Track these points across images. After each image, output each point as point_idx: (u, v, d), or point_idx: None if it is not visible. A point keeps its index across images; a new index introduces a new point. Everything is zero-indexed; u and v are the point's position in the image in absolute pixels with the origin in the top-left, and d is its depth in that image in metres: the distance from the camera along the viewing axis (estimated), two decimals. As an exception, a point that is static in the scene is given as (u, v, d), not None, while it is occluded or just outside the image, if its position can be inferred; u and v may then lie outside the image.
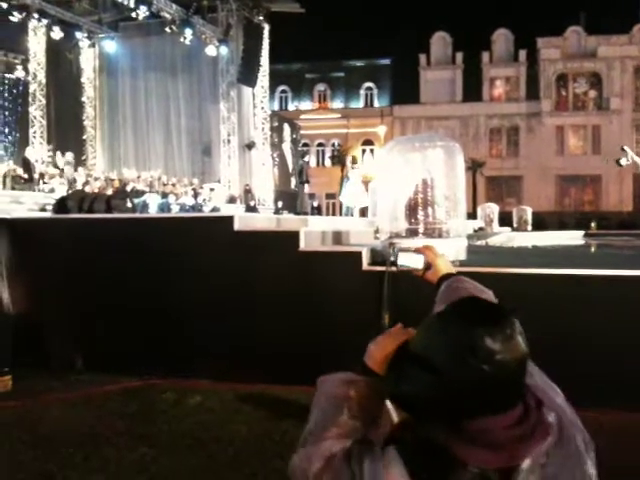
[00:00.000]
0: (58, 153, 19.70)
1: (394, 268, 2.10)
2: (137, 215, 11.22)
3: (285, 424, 4.54)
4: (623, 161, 15.60)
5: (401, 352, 1.24)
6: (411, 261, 1.98)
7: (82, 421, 4.98)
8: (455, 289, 1.72)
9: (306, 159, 20.49)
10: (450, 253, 5.66)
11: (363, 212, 17.45)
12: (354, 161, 41.32)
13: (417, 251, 1.96)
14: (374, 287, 5.42)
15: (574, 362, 4.67)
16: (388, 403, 1.24)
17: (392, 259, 2.08)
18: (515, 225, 23.07)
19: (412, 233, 5.76)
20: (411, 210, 5.79)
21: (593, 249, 14.58)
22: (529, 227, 23.30)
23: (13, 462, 4.23)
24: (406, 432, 1.16)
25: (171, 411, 5.18)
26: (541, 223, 25.70)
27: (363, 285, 5.67)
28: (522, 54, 43.29)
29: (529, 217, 23.93)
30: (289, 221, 9.59)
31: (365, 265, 5.83)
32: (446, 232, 5.82)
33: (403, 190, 5.94)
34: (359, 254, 5.83)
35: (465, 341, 1.09)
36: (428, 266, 1.91)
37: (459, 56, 43.92)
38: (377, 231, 6.89)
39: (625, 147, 16.33)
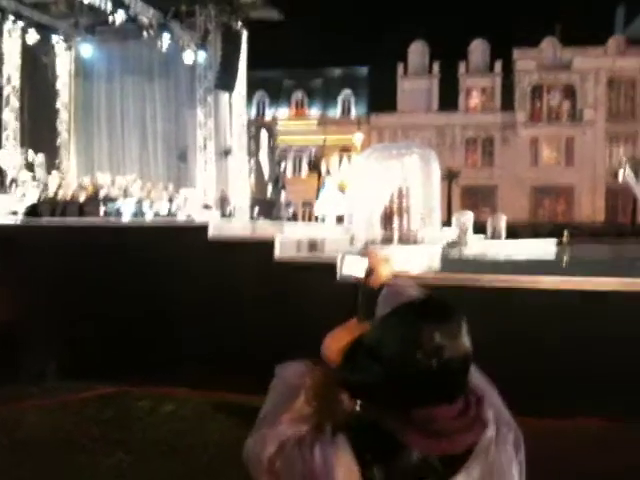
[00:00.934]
0: (30, 153, 19.41)
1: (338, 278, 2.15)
2: (112, 222, 11.11)
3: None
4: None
5: (356, 345, 1.31)
6: (354, 269, 2.01)
7: (58, 427, 4.93)
8: (396, 293, 1.76)
9: (283, 166, 20.47)
10: (424, 260, 5.70)
11: (340, 219, 17.47)
12: (329, 169, 41.53)
13: (363, 256, 1.98)
14: (349, 295, 5.42)
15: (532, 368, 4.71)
16: (343, 398, 1.30)
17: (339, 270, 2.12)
18: (489, 234, 23.26)
19: (387, 241, 5.79)
20: (386, 218, 5.83)
21: (565, 258, 14.77)
22: (502, 236, 23.50)
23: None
24: (357, 420, 1.25)
25: (146, 418, 5.15)
26: (515, 233, 25.93)
27: (338, 293, 5.66)
28: (498, 65, 43.81)
29: (503, 226, 24.14)
30: (264, 228, 9.57)
31: (339, 274, 5.82)
32: (421, 240, 5.86)
33: (379, 198, 5.98)
34: (334, 263, 5.82)
35: (414, 336, 1.18)
36: (370, 272, 1.92)
37: (436, 65, 44.30)
38: (352, 239, 6.91)
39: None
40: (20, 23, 20.49)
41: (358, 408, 1.28)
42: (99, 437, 4.67)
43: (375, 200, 5.96)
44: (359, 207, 6.28)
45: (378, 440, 1.18)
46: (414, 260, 5.40)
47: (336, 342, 1.39)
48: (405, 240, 5.77)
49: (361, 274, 1.98)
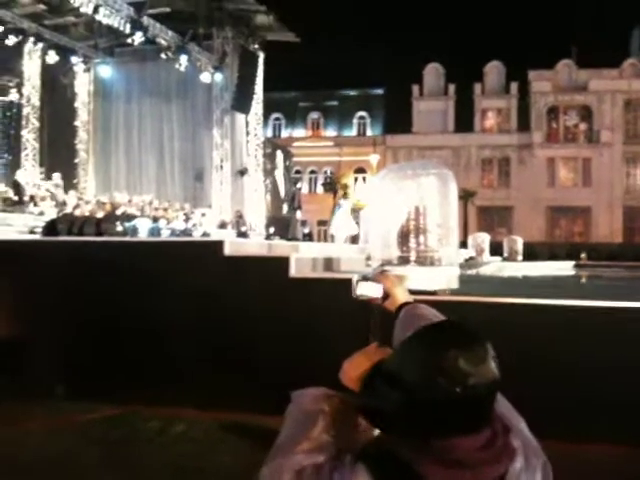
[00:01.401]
0: (49, 171, 19.62)
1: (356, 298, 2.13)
2: (127, 239, 11.13)
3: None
4: None
5: (375, 370, 1.26)
6: (370, 290, 1.98)
7: (63, 449, 4.84)
8: (414, 316, 1.76)
9: (298, 186, 20.53)
10: (442, 281, 5.61)
11: (354, 239, 17.42)
12: (345, 189, 41.59)
13: (375, 280, 1.99)
14: (364, 314, 5.34)
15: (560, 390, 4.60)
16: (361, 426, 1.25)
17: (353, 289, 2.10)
18: (506, 255, 23.12)
19: (404, 261, 5.71)
20: (403, 237, 5.75)
21: (583, 280, 14.61)
22: (520, 257, 23.37)
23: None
24: (376, 448, 1.17)
25: (155, 440, 5.05)
26: (532, 253, 25.76)
27: (353, 312, 5.58)
28: (514, 86, 43.82)
29: (520, 247, 24.00)
30: (280, 247, 9.53)
31: (354, 295, 5.75)
32: (438, 260, 5.77)
33: (395, 217, 5.91)
34: (349, 281, 5.76)
35: (437, 362, 1.11)
36: (387, 295, 1.93)
37: (451, 87, 44.40)
38: (368, 258, 6.84)
39: None
40: (40, 44, 20.84)
41: (377, 435, 1.22)
42: (106, 459, 4.58)
43: (391, 220, 5.88)
44: (375, 226, 6.20)
45: (398, 470, 1.12)
46: (432, 281, 5.31)
47: (355, 367, 1.33)
48: (422, 260, 5.68)
49: (377, 296, 1.96)
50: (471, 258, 18.16)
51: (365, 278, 2.05)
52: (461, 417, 1.12)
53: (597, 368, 4.97)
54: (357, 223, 17.65)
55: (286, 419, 1.32)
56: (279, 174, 30.01)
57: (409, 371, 1.13)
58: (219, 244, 6.37)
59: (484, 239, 20.99)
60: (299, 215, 18.28)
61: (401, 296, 1.93)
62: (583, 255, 28.76)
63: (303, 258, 6.64)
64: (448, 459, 1.11)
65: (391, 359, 1.21)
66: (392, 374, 1.17)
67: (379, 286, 1.96)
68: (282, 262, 6.01)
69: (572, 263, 22.12)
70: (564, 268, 19.17)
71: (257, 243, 11.19)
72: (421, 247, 5.80)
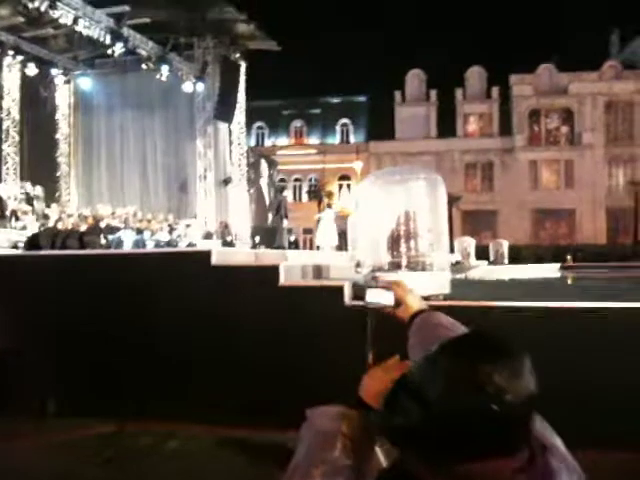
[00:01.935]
0: (29, 186, 19.38)
1: (363, 306, 2.05)
2: (113, 251, 10.99)
3: (269, 469, 4.31)
4: None
5: (398, 386, 1.14)
6: (381, 298, 1.91)
7: (54, 468, 4.71)
8: (432, 325, 1.68)
9: (284, 194, 20.45)
10: (434, 286, 5.54)
11: (340, 248, 17.35)
12: (330, 197, 41.56)
13: (386, 288, 1.91)
14: (357, 322, 5.25)
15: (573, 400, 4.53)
16: (378, 450, 1.15)
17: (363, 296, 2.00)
18: (492, 259, 23.18)
19: (395, 266, 5.64)
20: (394, 243, 5.67)
21: (570, 281, 14.64)
22: (506, 260, 23.43)
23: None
24: (399, 472, 1.07)
25: (149, 457, 4.92)
26: (517, 256, 25.85)
27: (346, 320, 5.50)
28: (495, 91, 44.07)
29: (505, 250, 24.08)
30: (268, 256, 9.43)
31: (347, 300, 5.68)
32: (429, 265, 5.70)
33: (385, 223, 5.83)
34: (341, 288, 5.69)
35: (470, 377, 1.00)
36: (398, 303, 1.86)
37: (433, 93, 44.57)
38: (358, 265, 6.75)
39: None
40: (19, 57, 20.63)
41: (400, 457, 1.11)
42: (99, 478, 4.44)
43: (381, 225, 5.81)
44: (365, 232, 6.12)
45: None
46: (424, 286, 5.24)
47: (375, 383, 1.24)
48: (414, 265, 5.60)
49: (389, 304, 1.88)
50: (458, 262, 18.15)
51: (374, 285, 1.98)
52: (497, 437, 1.01)
53: (604, 370, 4.92)
54: (344, 231, 17.59)
55: (301, 439, 1.22)
56: (263, 183, 29.92)
57: (437, 387, 1.03)
58: (206, 254, 6.27)
59: (470, 243, 21.00)
60: (285, 223, 18.19)
61: (414, 304, 1.84)
62: (569, 257, 28.88)
63: (292, 266, 6.55)
64: None
65: (416, 373, 1.10)
66: (418, 390, 1.06)
67: (390, 293, 1.87)
68: (271, 270, 5.92)
69: (558, 265, 22.19)
70: (550, 270, 19.22)
71: (244, 252, 11.08)
72: (412, 252, 5.73)
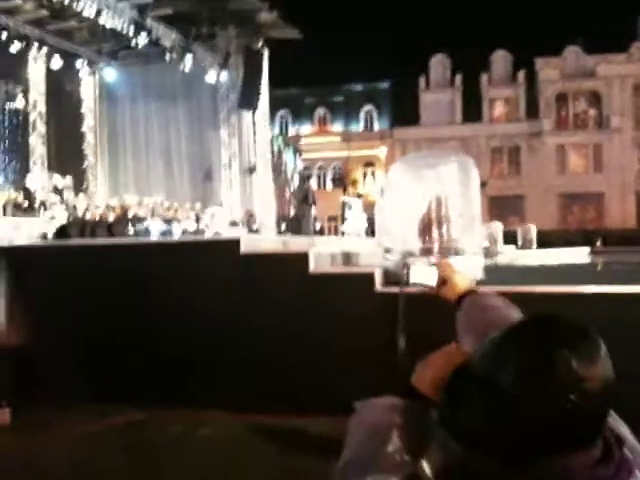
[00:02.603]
0: (57, 177, 19.55)
1: (406, 286, 1.93)
2: (141, 240, 11.02)
3: (302, 459, 4.27)
4: None
5: (460, 375, 1.05)
6: (424, 277, 1.82)
7: (84, 456, 4.71)
8: (482, 307, 1.56)
9: (310, 181, 20.39)
10: (467, 272, 5.44)
11: (368, 233, 17.30)
12: (354, 184, 41.44)
13: (430, 266, 1.82)
14: (388, 309, 5.18)
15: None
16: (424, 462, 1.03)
17: (405, 277, 1.88)
18: (520, 244, 22.93)
19: (426, 252, 5.54)
20: (425, 228, 5.56)
21: (599, 267, 14.42)
22: (534, 245, 23.18)
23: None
24: (462, 468, 0.97)
25: (178, 445, 4.91)
26: (545, 241, 25.54)
27: (377, 307, 5.44)
28: (521, 74, 43.43)
29: (533, 235, 23.81)
30: (296, 243, 9.38)
31: (378, 286, 5.61)
32: (462, 250, 5.58)
33: (415, 208, 5.72)
34: (372, 275, 5.62)
35: (545, 365, 0.92)
36: (443, 282, 1.75)
37: (458, 78, 44.07)
38: (387, 251, 6.65)
39: None
40: (44, 50, 20.76)
41: (462, 453, 1.00)
42: (127, 467, 4.43)
43: (411, 210, 5.69)
44: (394, 218, 6.01)
45: None
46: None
47: (433, 371, 1.14)
48: (446, 251, 5.48)
49: (432, 283, 1.79)
50: (486, 248, 17.98)
51: (417, 260, 1.89)
52: (575, 429, 0.93)
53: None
54: (370, 218, 17.53)
55: (351, 433, 1.13)
56: (288, 171, 29.89)
57: (508, 376, 0.94)
58: (235, 242, 6.24)
59: (497, 228, 20.76)
60: (314, 211, 18.14)
61: (462, 283, 1.72)
62: (598, 241, 28.48)
63: (321, 253, 6.48)
64: None
65: (482, 361, 1.01)
66: (485, 379, 0.96)
67: (434, 272, 1.77)
68: (301, 258, 5.86)
69: (587, 250, 21.88)
70: (580, 255, 18.95)
71: (272, 240, 11.04)
72: (444, 237, 5.60)
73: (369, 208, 19.56)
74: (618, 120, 41.75)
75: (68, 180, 19.52)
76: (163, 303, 6.33)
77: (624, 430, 1.09)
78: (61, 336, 6.62)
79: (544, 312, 1.06)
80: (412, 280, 1.85)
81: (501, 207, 40.32)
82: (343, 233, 17.88)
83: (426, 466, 1.03)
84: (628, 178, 41.42)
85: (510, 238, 22.65)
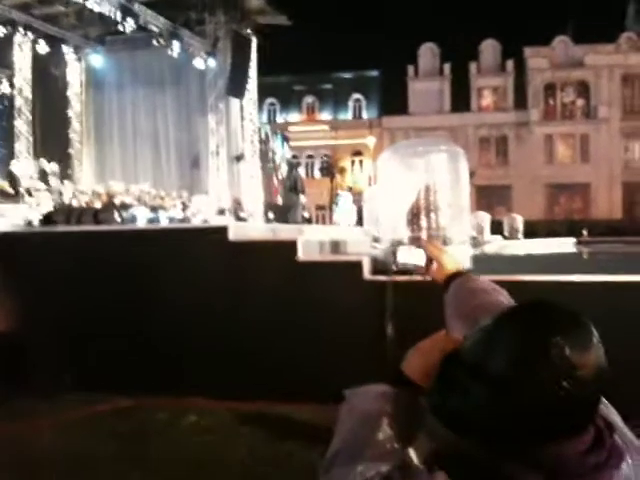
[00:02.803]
0: (43, 162, 19.37)
1: (394, 274, 1.90)
2: (128, 227, 10.95)
3: (289, 446, 4.27)
4: None
5: (450, 362, 1.04)
6: (412, 258, 1.80)
7: (71, 444, 4.69)
8: (471, 290, 1.54)
9: (298, 170, 20.32)
10: (455, 254, 5.43)
11: (359, 222, 17.36)
12: (342, 173, 41.40)
13: (418, 247, 1.80)
14: (376, 297, 5.19)
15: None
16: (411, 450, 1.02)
17: (392, 261, 1.85)
18: (506, 233, 23.00)
19: (415, 240, 5.54)
20: (413, 217, 5.55)
21: (585, 256, 14.52)
22: (520, 235, 23.27)
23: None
24: (454, 454, 0.97)
25: (166, 432, 4.90)
26: (531, 231, 25.65)
27: (365, 295, 5.44)
28: (509, 64, 43.44)
29: (520, 225, 23.90)
30: (284, 231, 9.35)
31: (366, 274, 5.61)
32: (449, 239, 5.59)
33: (404, 196, 5.71)
34: (360, 263, 5.61)
35: (540, 352, 0.91)
36: (431, 263, 1.74)
37: (447, 67, 44.02)
38: (375, 240, 6.67)
39: None
40: (30, 35, 20.54)
41: (453, 440, 1.00)
42: (115, 454, 4.41)
43: (400, 199, 5.68)
44: (383, 206, 6.00)
45: (486, 478, 0.93)
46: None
47: (423, 358, 1.13)
48: (433, 239, 5.48)
49: (420, 264, 1.76)
50: (473, 237, 18.03)
51: (405, 244, 1.85)
52: (567, 416, 0.93)
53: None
54: (359, 207, 17.58)
55: (341, 421, 1.12)
56: (276, 159, 29.79)
57: (499, 363, 0.93)
58: (223, 229, 6.21)
59: (484, 218, 20.81)
60: (303, 199, 18.10)
61: (450, 264, 1.70)
62: (585, 231, 28.67)
63: (310, 241, 6.46)
64: (553, 469, 0.92)
65: (473, 348, 1.00)
66: (476, 366, 0.96)
67: (422, 253, 1.75)
68: (289, 246, 5.85)
69: (573, 240, 22.01)
70: (566, 245, 19.03)
71: (261, 227, 11.00)
72: (432, 226, 5.60)
73: (357, 197, 19.61)
74: (606, 110, 41.92)
75: (55, 166, 19.35)
76: (150, 290, 6.30)
77: (614, 417, 1.09)
78: (47, 323, 6.58)
79: (536, 298, 1.05)
80: (400, 261, 1.81)
81: (488, 197, 40.44)
82: (331, 221, 18.01)
83: (414, 454, 1.02)
84: (615, 169, 41.65)
85: (497, 228, 22.73)
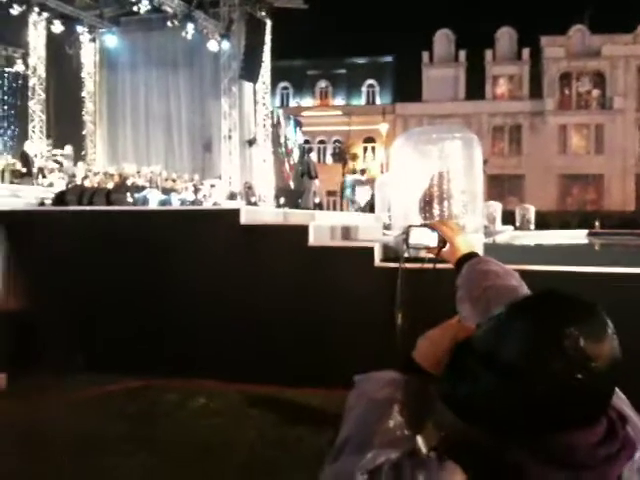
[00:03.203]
0: (57, 143, 19.43)
1: (405, 249, 1.86)
2: (141, 208, 10.98)
3: (298, 430, 4.28)
4: None
5: (462, 349, 1.04)
6: (424, 239, 1.75)
7: (80, 424, 4.72)
8: (483, 272, 1.52)
9: (311, 155, 20.27)
10: (468, 235, 5.40)
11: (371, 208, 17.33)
12: (355, 158, 41.25)
13: (431, 227, 1.74)
14: (387, 284, 5.17)
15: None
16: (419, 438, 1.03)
17: (404, 238, 1.81)
18: (518, 224, 22.92)
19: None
20: (426, 204, 5.53)
21: (597, 248, 14.44)
22: (532, 226, 23.18)
23: (5, 468, 3.97)
24: (464, 442, 0.96)
25: (175, 413, 4.93)
26: (543, 222, 25.53)
27: (375, 282, 5.42)
28: (525, 52, 43.04)
29: (532, 216, 23.80)
30: (296, 216, 9.34)
31: (377, 261, 5.59)
32: (463, 227, 5.56)
33: (417, 183, 5.68)
34: (371, 249, 5.60)
35: (554, 343, 0.90)
36: (443, 244, 1.70)
37: (462, 54, 43.66)
38: (386, 227, 6.64)
39: None
40: (45, 14, 20.51)
41: (458, 427, 1.00)
42: (124, 434, 4.44)
43: (414, 186, 5.66)
44: (396, 193, 5.99)
45: (497, 468, 0.92)
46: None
47: (434, 346, 1.12)
48: (447, 220, 5.45)
49: (433, 245, 1.72)
50: (485, 227, 17.97)
51: (418, 225, 1.81)
52: (580, 407, 0.92)
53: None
54: (372, 194, 17.53)
55: (350, 410, 1.11)
56: (289, 144, 29.72)
57: (512, 352, 0.92)
58: (235, 212, 6.20)
59: (496, 208, 20.74)
60: (317, 184, 18.02)
61: (462, 246, 1.66)
62: (597, 223, 28.50)
63: (321, 226, 6.45)
64: (564, 460, 0.92)
65: (484, 336, 0.99)
66: (489, 355, 0.95)
67: (435, 234, 1.71)
68: (301, 230, 5.83)
69: (585, 231, 21.89)
70: (577, 236, 18.95)
71: (272, 212, 11.00)
72: (445, 214, 5.57)
73: (369, 184, 19.56)
74: (621, 101, 41.50)
75: (69, 149, 19.38)
76: (162, 271, 6.31)
77: (626, 408, 1.08)
78: (58, 303, 6.61)
79: (550, 288, 1.04)
80: (411, 241, 1.77)
81: (500, 186, 40.25)
82: (342, 207, 17.93)
83: (422, 442, 1.02)
84: (629, 160, 41.29)
85: (508, 218, 22.63)
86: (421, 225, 1.79)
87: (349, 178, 21.88)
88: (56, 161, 18.42)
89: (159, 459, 4.03)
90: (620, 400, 1.09)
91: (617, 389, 1.08)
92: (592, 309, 0.96)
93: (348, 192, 20.44)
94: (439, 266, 1.82)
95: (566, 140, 42.34)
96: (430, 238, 1.72)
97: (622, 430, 0.98)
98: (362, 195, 17.87)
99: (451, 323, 1.17)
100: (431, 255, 1.75)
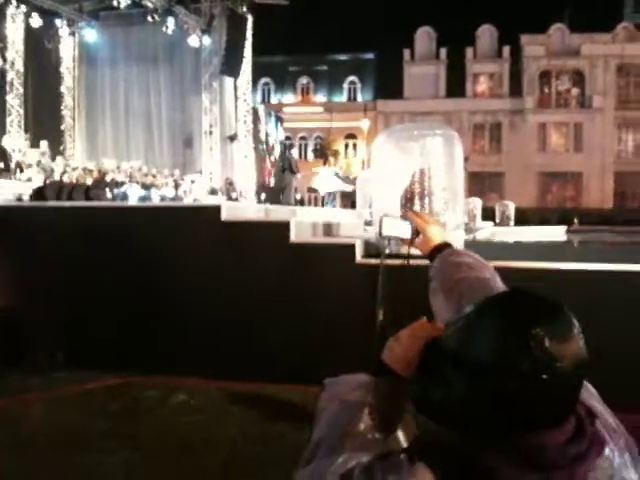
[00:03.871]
0: (35, 138, 19.19)
1: (381, 240, 1.84)
2: (120, 204, 10.89)
3: (280, 426, 4.29)
4: None
5: (432, 351, 1.04)
6: (397, 229, 1.73)
7: (62, 421, 4.69)
8: (455, 264, 1.51)
9: (292, 151, 20.23)
10: (441, 226, 5.43)
11: (352, 204, 17.35)
12: (336, 155, 41.31)
13: (404, 217, 1.73)
14: (368, 280, 5.19)
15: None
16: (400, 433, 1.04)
17: (377, 229, 1.79)
18: (498, 220, 23.06)
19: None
20: (407, 201, 5.55)
21: (576, 244, 14.58)
22: (511, 222, 23.33)
23: (-15, 466, 3.94)
24: (435, 444, 0.96)
25: (156, 410, 4.90)
26: (523, 218, 25.72)
27: (357, 278, 5.43)
28: (506, 50, 43.30)
29: (512, 212, 23.96)
30: (278, 212, 9.33)
31: (359, 257, 5.61)
32: (443, 224, 5.59)
33: (399, 180, 5.70)
34: (352, 246, 5.61)
35: (519, 343, 0.91)
36: (417, 234, 1.68)
37: (443, 51, 43.83)
38: (367, 223, 6.65)
39: None
40: (23, 7, 20.24)
41: (429, 429, 1.00)
42: (106, 432, 4.42)
43: (394, 182, 5.68)
44: (378, 190, 6.01)
45: (467, 470, 0.93)
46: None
47: (404, 348, 1.10)
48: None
49: (406, 236, 1.71)
50: (465, 223, 18.05)
51: (391, 215, 1.78)
52: (547, 407, 0.92)
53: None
54: (353, 191, 17.56)
55: (321, 412, 1.11)
56: (270, 140, 29.65)
57: (480, 353, 0.92)
58: (216, 209, 6.18)
59: (476, 204, 20.84)
60: (298, 179, 18.01)
61: (436, 236, 1.64)
62: (576, 220, 28.79)
63: (303, 223, 6.45)
64: (535, 460, 0.92)
65: (455, 338, 0.99)
66: (457, 355, 0.95)
67: (408, 224, 1.70)
68: (282, 227, 5.83)
69: (564, 228, 22.09)
70: (556, 233, 19.11)
71: (254, 208, 10.97)
72: (425, 210, 5.61)
73: (350, 180, 19.59)
74: (600, 100, 41.92)
75: (44, 145, 19.13)
76: (142, 268, 6.28)
77: (597, 404, 1.09)
78: (39, 300, 6.55)
79: (517, 288, 1.05)
80: (384, 233, 1.75)
81: (480, 183, 40.46)
82: (323, 203, 17.96)
83: (401, 436, 1.03)
84: (607, 158, 41.74)
85: (488, 214, 22.77)
86: (394, 216, 1.78)
87: (324, 172, 21.93)
88: (34, 154, 18.19)
89: (141, 456, 4.01)
90: (590, 395, 1.10)
91: (588, 384, 1.09)
92: (558, 309, 0.96)
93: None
94: (415, 262, 1.81)
95: (546, 138, 42.71)
96: (403, 229, 1.71)
97: (591, 427, 0.98)
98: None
99: (419, 324, 1.15)
100: (415, 251, 1.74)
